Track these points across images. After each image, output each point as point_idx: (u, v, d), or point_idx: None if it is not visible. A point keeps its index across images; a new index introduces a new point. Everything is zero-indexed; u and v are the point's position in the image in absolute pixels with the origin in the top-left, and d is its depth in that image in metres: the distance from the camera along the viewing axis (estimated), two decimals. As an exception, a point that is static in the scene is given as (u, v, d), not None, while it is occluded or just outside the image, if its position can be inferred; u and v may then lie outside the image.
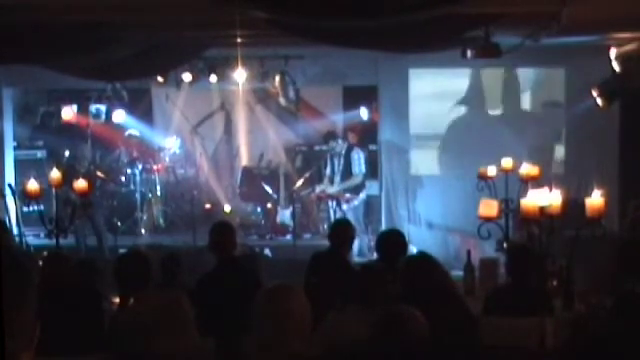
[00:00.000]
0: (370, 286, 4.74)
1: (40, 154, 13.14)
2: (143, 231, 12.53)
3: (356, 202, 10.99)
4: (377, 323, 3.85)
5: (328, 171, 11.32)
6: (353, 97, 12.93)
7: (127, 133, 13.09)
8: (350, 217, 10.41)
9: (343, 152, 11.09)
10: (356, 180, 11.02)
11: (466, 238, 10.71)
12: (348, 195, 10.98)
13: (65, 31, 7.26)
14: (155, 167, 13.05)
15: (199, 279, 6.03)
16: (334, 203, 11.04)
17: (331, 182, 11.18)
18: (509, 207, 8.77)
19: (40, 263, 6.01)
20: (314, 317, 3.72)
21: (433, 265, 5.13)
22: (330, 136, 11.48)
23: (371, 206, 11.67)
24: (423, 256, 5.35)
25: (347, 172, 11.04)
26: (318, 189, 11.58)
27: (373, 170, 11.72)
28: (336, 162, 11.17)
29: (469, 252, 7.88)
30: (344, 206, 10.93)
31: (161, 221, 12.95)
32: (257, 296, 3.66)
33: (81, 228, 10.79)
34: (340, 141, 11.15)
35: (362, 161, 11.08)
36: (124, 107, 12.76)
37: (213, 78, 11.93)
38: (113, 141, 13.22)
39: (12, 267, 1.59)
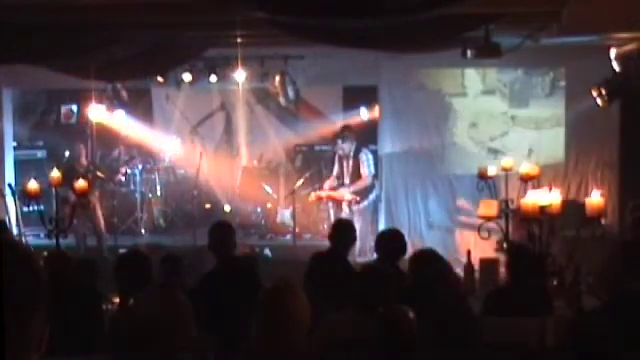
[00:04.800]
0: (370, 286, 4.74)
1: (40, 154, 13.16)
2: (143, 231, 12.53)
3: (366, 203, 10.86)
4: (372, 323, 3.87)
5: (336, 172, 11.12)
6: (353, 97, 12.93)
7: (125, 133, 13.10)
8: (359, 219, 10.35)
9: (352, 153, 10.90)
10: (366, 182, 10.87)
11: (466, 238, 10.71)
12: (357, 197, 10.80)
13: (65, 31, 7.26)
14: (155, 167, 13.05)
15: (199, 279, 6.03)
16: (344, 205, 10.87)
17: (342, 184, 11.00)
18: (509, 207, 8.77)
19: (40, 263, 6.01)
20: (314, 317, 3.72)
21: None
22: (344, 133, 11.08)
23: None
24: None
25: (356, 173, 10.85)
26: (328, 190, 11.26)
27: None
28: (344, 163, 10.97)
29: (469, 252, 7.90)
30: (354, 207, 10.77)
31: (161, 221, 12.95)
32: (257, 296, 3.66)
33: (81, 228, 10.80)
34: (349, 141, 10.92)
35: (371, 162, 10.93)
36: (124, 107, 12.76)
37: (213, 78, 11.92)
38: (113, 141, 13.22)
39: (21, 267, 1.59)
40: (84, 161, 11.22)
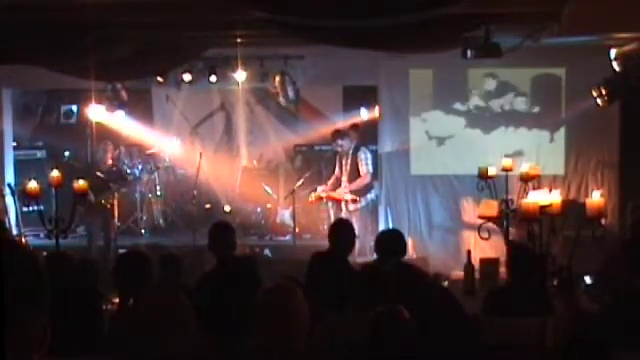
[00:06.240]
0: (370, 286, 4.74)
1: (40, 154, 13.15)
2: (143, 231, 12.53)
3: (364, 202, 10.82)
4: (372, 323, 3.87)
5: (336, 171, 11.08)
6: (353, 97, 12.92)
7: (125, 133, 13.11)
8: (357, 218, 10.32)
9: (350, 151, 10.86)
10: (366, 179, 10.83)
11: (466, 238, 10.70)
12: (357, 197, 10.75)
13: (65, 31, 7.26)
14: (155, 167, 13.05)
15: (199, 279, 6.03)
16: (342, 204, 10.83)
17: (340, 183, 10.96)
18: (509, 207, 8.77)
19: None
20: (314, 317, 3.72)
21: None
22: (339, 134, 11.03)
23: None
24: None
25: (354, 172, 10.81)
26: (327, 190, 11.16)
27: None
28: (344, 162, 10.93)
29: (469, 252, 7.90)
30: (350, 207, 10.73)
31: (161, 221, 12.95)
32: (257, 296, 3.67)
33: (90, 227, 10.83)
34: (348, 139, 10.88)
35: (369, 160, 10.88)
36: (124, 107, 12.75)
37: (213, 78, 11.90)
38: (113, 141, 13.20)
39: (22, 266, 1.59)
40: (109, 161, 11.24)
